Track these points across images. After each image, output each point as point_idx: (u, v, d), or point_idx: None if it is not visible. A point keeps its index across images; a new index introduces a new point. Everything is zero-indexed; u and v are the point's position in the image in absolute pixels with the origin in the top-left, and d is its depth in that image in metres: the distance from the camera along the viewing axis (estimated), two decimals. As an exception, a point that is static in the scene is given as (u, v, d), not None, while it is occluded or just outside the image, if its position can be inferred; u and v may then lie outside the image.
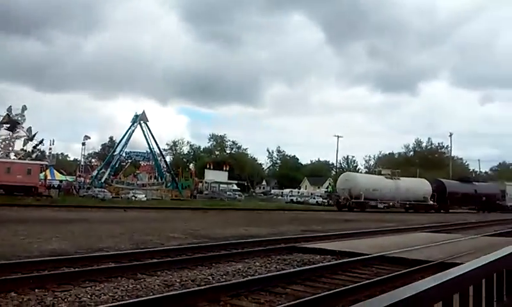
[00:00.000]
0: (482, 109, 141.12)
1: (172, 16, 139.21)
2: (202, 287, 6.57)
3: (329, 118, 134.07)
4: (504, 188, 59.20)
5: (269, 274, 7.96)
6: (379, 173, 52.27)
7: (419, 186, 49.92)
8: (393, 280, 7.62)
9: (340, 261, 9.56)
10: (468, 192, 52.87)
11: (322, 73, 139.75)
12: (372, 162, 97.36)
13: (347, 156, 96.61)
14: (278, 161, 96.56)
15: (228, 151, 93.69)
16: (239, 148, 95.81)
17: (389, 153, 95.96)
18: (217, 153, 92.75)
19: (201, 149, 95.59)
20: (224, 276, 7.79)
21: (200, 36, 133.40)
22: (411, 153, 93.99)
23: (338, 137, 73.78)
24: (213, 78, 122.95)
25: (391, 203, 48.71)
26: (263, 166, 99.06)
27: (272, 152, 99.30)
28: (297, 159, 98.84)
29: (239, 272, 8.29)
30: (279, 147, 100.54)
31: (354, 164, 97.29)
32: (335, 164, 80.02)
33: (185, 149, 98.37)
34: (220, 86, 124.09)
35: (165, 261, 8.79)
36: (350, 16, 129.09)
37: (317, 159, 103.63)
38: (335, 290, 6.63)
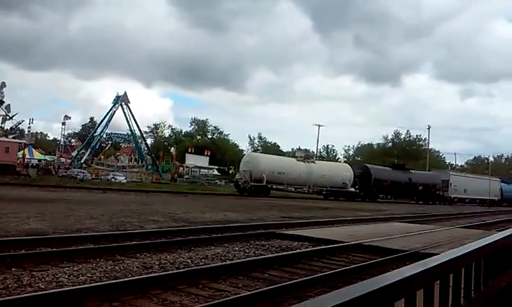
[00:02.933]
0: (462, 103, 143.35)
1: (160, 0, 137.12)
2: (181, 270, 6.62)
3: (313, 107, 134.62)
4: (448, 178, 54.07)
5: (247, 259, 8.04)
6: (293, 156, 49.12)
7: (337, 171, 46.28)
8: (369, 268, 7.78)
9: (318, 248, 9.70)
10: (400, 180, 48.39)
11: (308, 61, 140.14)
12: (351, 152, 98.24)
13: (327, 145, 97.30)
14: (260, 148, 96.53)
15: (209, 136, 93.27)
16: (221, 133, 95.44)
17: (368, 144, 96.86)
18: (198, 137, 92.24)
19: (183, 134, 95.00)
20: (203, 260, 7.84)
21: (187, 21, 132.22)
22: (390, 144, 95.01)
23: (319, 126, 74.28)
24: (199, 63, 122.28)
25: (305, 189, 46.10)
26: (244, 153, 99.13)
27: (254, 139, 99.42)
28: (278, 147, 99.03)
29: (218, 256, 8.35)
30: (260, 134, 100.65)
31: (334, 154, 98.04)
32: (315, 153, 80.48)
33: (167, 132, 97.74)
34: (205, 71, 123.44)
35: (144, 243, 8.80)
36: (337, 5, 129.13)
37: (297, 147, 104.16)
38: (311, 276, 6.74)
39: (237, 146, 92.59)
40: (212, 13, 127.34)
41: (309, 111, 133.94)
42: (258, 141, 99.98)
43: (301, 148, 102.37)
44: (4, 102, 52.86)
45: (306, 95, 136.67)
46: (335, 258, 8.82)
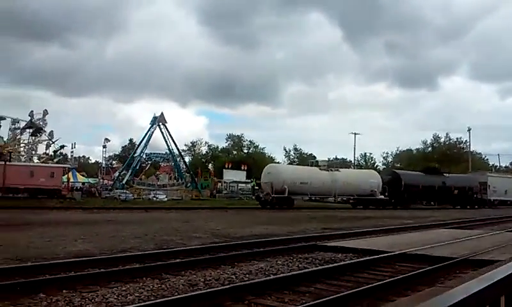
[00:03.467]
0: (502, 102, 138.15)
1: (190, 20, 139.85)
2: (226, 286, 6.64)
3: (347, 115, 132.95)
4: (486, 180, 50.75)
5: (291, 273, 7.99)
6: (316, 164, 45.90)
7: (364, 178, 43.79)
8: (417, 277, 7.57)
9: (362, 259, 9.53)
10: (434, 184, 45.83)
11: (340, 70, 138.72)
12: (390, 159, 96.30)
13: (365, 153, 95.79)
14: (296, 159, 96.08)
15: (245, 151, 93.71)
16: (257, 147, 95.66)
17: (407, 150, 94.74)
18: (234, 152, 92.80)
19: (219, 150, 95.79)
20: (247, 275, 7.84)
21: (218, 39, 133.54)
22: (429, 148, 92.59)
23: (355, 134, 73.32)
24: (231, 80, 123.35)
25: (330, 198, 43.16)
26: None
27: (289, 150, 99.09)
28: (315, 157, 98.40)
29: (262, 270, 8.33)
30: (295, 145, 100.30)
31: (372, 161, 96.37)
32: (352, 162, 79.32)
33: (204, 149, 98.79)
34: (238, 87, 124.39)
35: (188, 260, 8.89)
36: (367, 12, 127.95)
37: (334, 157, 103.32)
38: (359, 289, 6.62)
39: (273, 159, 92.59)
40: (242, 30, 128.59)
41: (344, 120, 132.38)
42: (294, 153, 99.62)
43: (338, 157, 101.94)
44: (42, 129, 55.00)
45: (341, 104, 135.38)
46: (380, 269, 8.64)
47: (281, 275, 7.83)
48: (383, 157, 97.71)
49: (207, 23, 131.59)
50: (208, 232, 15.90)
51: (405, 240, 13.01)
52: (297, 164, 74.58)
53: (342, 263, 9.26)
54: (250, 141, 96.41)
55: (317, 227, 19.23)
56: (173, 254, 9.93)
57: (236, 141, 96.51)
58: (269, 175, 39.49)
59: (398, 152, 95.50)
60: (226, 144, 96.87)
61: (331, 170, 42.71)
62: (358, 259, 9.54)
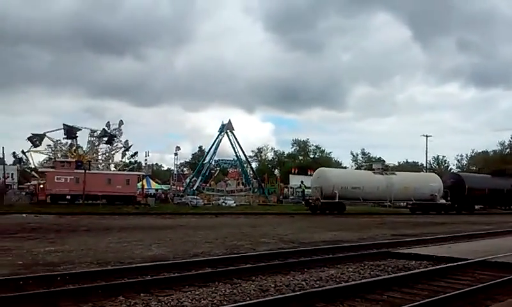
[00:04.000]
0: None
1: (257, 27, 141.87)
2: (297, 293, 6.63)
3: (416, 117, 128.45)
4: None
5: (363, 280, 7.82)
6: (370, 168, 43.93)
7: (423, 182, 41.01)
8: (499, 286, 7.15)
9: (438, 267, 9.13)
10: (502, 188, 42.38)
11: (409, 71, 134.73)
12: (465, 162, 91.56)
13: (437, 156, 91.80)
14: (364, 164, 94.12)
15: (311, 156, 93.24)
16: (323, 152, 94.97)
17: (482, 152, 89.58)
18: (300, 158, 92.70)
19: (285, 155, 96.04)
20: (317, 282, 7.79)
21: (283, 44, 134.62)
22: (508, 150, 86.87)
23: (426, 136, 70.46)
24: (296, 85, 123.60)
25: (385, 204, 41.13)
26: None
27: (357, 155, 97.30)
28: (384, 161, 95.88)
29: (332, 277, 8.24)
30: (363, 149, 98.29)
31: (446, 164, 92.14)
32: (424, 165, 76.22)
33: (270, 155, 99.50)
34: (303, 92, 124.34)
35: (258, 266, 8.97)
36: (438, 11, 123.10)
37: (404, 160, 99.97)
38: (434, 298, 6.36)
39: (340, 164, 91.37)
40: (307, 35, 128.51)
41: (414, 122, 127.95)
42: (362, 157, 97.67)
43: (409, 160, 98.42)
44: (118, 139, 57.98)
45: (410, 106, 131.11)
46: (458, 277, 8.24)
47: (353, 282, 7.69)
48: (457, 160, 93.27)
49: (273, 29, 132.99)
50: (276, 238, 15.97)
51: (484, 246, 12.32)
52: (365, 169, 72.87)
53: (416, 270, 8.94)
54: (316, 146, 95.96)
55: (387, 233, 18.72)
56: (243, 259, 10.07)
57: (302, 146, 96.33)
58: (318, 180, 38.32)
59: (473, 154, 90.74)
60: (292, 150, 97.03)
61: (387, 173, 40.75)
62: (433, 267, 9.17)
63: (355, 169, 78.55)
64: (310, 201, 38.52)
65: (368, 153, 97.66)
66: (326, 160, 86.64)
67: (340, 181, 37.42)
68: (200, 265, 9.12)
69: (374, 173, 40.96)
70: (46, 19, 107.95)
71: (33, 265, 9.40)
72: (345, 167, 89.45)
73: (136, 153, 60.97)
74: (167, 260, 10.01)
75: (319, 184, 37.34)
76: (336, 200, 35.93)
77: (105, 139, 57.61)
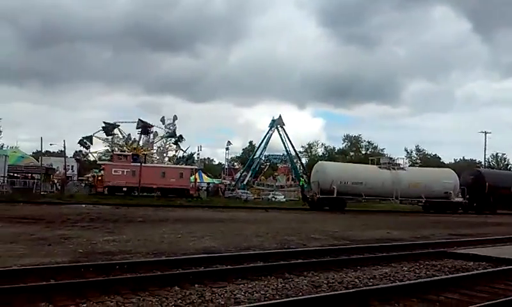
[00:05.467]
0: None
1: (311, 22, 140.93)
2: (351, 290, 6.55)
3: (475, 113, 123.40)
4: None
5: (419, 280, 7.61)
6: (377, 162, 40.60)
7: (436, 179, 37.73)
8: None
9: (499, 268, 8.74)
10: None
11: (468, 65, 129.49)
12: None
13: (496, 153, 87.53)
14: (418, 161, 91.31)
15: (363, 152, 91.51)
16: (375, 148, 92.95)
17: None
18: (352, 154, 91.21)
19: (336, 151, 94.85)
20: (371, 280, 7.66)
21: (337, 40, 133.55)
22: None
23: (485, 133, 67.47)
24: (349, 80, 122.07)
25: (391, 200, 37.87)
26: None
27: (411, 151, 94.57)
28: (439, 158, 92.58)
29: (386, 276, 8.07)
30: (418, 146, 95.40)
31: (505, 162, 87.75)
32: (482, 163, 72.97)
33: (320, 151, 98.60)
34: (356, 87, 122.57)
35: (310, 262, 8.93)
36: (500, 2, 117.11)
37: (461, 158, 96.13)
38: (495, 301, 6.10)
39: (394, 161, 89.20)
40: (361, 30, 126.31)
41: (472, 119, 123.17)
42: (416, 154, 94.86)
43: (466, 158, 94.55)
44: (173, 134, 59.45)
45: (468, 102, 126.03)
46: (521, 281, 7.84)
47: (408, 282, 7.51)
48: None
49: (326, 24, 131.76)
50: (327, 234, 15.85)
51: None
52: (417, 166, 70.71)
53: (475, 272, 8.61)
54: (368, 142, 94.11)
55: (442, 232, 18.14)
56: (294, 254, 10.06)
57: (353, 141, 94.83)
58: (316, 174, 36.62)
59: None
60: (343, 145, 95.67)
61: (394, 169, 38.06)
62: (493, 269, 8.79)
63: (410, 166, 76.32)
64: (308, 196, 37.12)
65: (423, 149, 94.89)
66: (378, 157, 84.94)
67: (338, 175, 35.34)
68: (251, 259, 9.19)
69: (380, 168, 38.56)
70: (105, 18, 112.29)
71: (92, 253, 9.82)
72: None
73: (187, 149, 62.41)
74: (219, 252, 10.17)
75: (317, 179, 35.73)
76: (335, 196, 33.97)
77: (162, 134, 59.52)
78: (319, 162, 45.56)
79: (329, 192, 33.96)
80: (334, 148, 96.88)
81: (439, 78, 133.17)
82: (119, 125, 59.00)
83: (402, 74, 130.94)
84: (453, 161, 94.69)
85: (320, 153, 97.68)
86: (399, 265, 9.29)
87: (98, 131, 58.41)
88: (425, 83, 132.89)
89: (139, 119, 58.57)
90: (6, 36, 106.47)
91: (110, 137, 59.21)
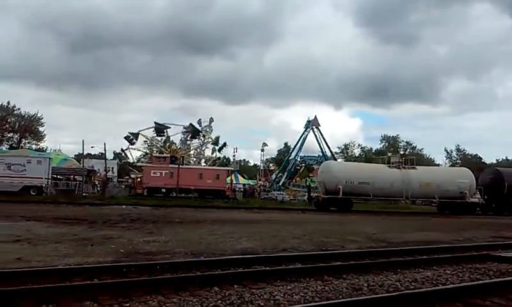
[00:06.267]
0: None
1: (347, 22, 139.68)
2: (392, 293, 6.45)
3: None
4: None
5: (463, 284, 7.42)
6: (388, 162, 38.81)
7: (450, 178, 35.81)
8: None
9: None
10: None
11: (509, 63, 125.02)
12: None
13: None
14: (458, 161, 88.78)
15: (401, 152, 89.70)
16: (414, 148, 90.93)
17: None
18: (389, 154, 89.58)
19: (373, 151, 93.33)
20: (412, 283, 7.52)
21: (374, 39, 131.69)
22: None
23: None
24: (387, 80, 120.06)
25: (402, 201, 36.37)
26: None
27: (451, 152, 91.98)
28: (480, 158, 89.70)
29: (428, 279, 7.90)
30: (458, 146, 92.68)
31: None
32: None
33: (357, 151, 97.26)
34: (394, 87, 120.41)
35: (349, 264, 8.85)
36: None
37: (504, 158, 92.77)
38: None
39: (432, 161, 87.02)
40: (399, 28, 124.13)
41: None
42: (457, 154, 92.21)
43: (508, 157, 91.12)
44: (209, 133, 60.11)
45: (510, 100, 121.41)
46: None
47: (451, 285, 7.32)
48: None
49: (363, 24, 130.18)
50: (365, 236, 15.63)
51: None
52: (457, 166, 68.62)
53: (522, 276, 8.30)
54: (407, 142, 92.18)
55: (484, 234, 17.58)
56: (332, 256, 9.98)
57: (391, 142, 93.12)
58: (322, 174, 35.81)
59: None
60: (381, 146, 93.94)
61: (404, 167, 36.37)
62: (542, 274, 8.46)
63: (450, 166, 74.36)
64: (313, 196, 36.21)
65: (464, 149, 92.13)
66: (417, 157, 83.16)
67: (344, 175, 34.23)
68: (289, 260, 9.19)
69: (390, 167, 37.10)
70: (144, 22, 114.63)
71: (133, 253, 10.04)
72: (437, 165, 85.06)
73: (224, 144, 62.72)
74: (257, 254, 10.20)
75: (322, 179, 35.07)
76: (340, 196, 33.03)
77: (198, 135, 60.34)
78: (326, 161, 44.88)
79: (334, 192, 33.30)
80: (371, 148, 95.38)
81: (480, 77, 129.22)
82: (169, 127, 60.23)
83: (441, 73, 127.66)
84: (495, 161, 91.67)
85: (357, 154, 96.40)
86: (440, 268, 9.09)
87: (146, 129, 59.82)
88: (466, 81, 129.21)
89: (190, 124, 59.67)
90: (48, 42, 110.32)
91: (154, 136, 60.52)
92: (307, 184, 50.34)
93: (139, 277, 7.17)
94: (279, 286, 6.93)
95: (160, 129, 59.31)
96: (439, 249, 12.09)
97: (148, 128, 60.21)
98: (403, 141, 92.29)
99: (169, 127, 60.25)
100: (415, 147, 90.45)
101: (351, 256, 10.09)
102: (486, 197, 36.14)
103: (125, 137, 59.41)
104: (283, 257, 9.60)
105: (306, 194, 43.67)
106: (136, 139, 59.58)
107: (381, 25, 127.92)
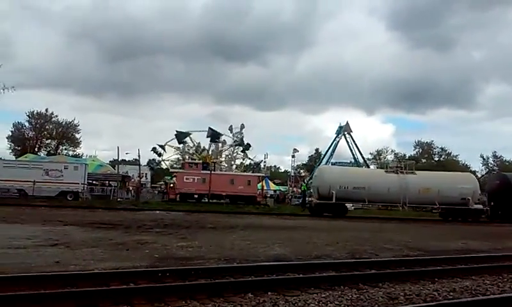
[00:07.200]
0: None
1: (380, 26, 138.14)
2: (430, 303, 6.30)
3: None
4: None
5: (504, 295, 7.17)
6: (386, 167, 37.25)
7: (452, 183, 34.07)
8: None
9: None
10: None
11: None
12: None
13: None
14: (495, 167, 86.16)
15: (435, 159, 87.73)
16: (449, 154, 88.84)
17: None
18: (423, 161, 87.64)
19: (407, 158, 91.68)
20: (451, 293, 7.32)
21: (408, 43, 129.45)
22: None
23: None
24: (421, 84, 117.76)
25: (400, 207, 34.34)
26: (477, 174, 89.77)
27: (488, 158, 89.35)
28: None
29: (467, 289, 7.68)
30: (495, 152, 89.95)
31: None
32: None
33: (390, 158, 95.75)
34: (429, 92, 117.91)
35: (385, 272, 8.70)
36: None
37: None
38: None
39: (468, 167, 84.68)
40: (434, 32, 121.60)
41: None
42: (493, 160, 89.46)
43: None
44: (241, 142, 60.36)
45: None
46: None
47: (492, 296, 7.10)
48: None
49: (397, 28, 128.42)
50: (401, 244, 15.32)
51: None
52: (494, 172, 66.53)
53: None
54: (441, 148, 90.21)
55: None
56: (367, 264, 9.83)
57: (425, 148, 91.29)
58: (315, 179, 35.13)
59: None
60: (414, 152, 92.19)
61: (402, 172, 34.81)
62: None
63: (486, 173, 72.21)
64: (306, 200, 35.41)
65: (501, 156, 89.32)
66: (451, 163, 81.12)
67: (337, 180, 33.05)
68: (323, 268, 9.10)
69: (387, 172, 35.79)
70: (179, 30, 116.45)
71: (167, 258, 10.16)
72: (473, 172, 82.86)
73: (248, 146, 62.72)
74: (290, 260, 10.15)
75: (316, 183, 34.30)
76: (333, 201, 32.10)
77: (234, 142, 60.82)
78: (321, 166, 44.47)
79: (327, 197, 32.42)
80: (404, 155, 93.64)
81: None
82: (191, 134, 60.83)
83: (478, 77, 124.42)
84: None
85: (390, 160, 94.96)
86: (479, 277, 8.83)
87: (172, 139, 60.61)
88: (504, 86, 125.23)
89: (209, 128, 60.12)
90: (87, 51, 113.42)
91: (181, 146, 61.15)
92: (302, 189, 49.51)
93: (174, 282, 7.24)
94: (313, 294, 6.88)
95: (181, 137, 59.94)
96: (477, 258, 11.74)
97: (173, 139, 61.03)
98: (437, 147, 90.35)
99: (191, 134, 60.86)
100: (450, 153, 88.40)
101: (386, 265, 9.91)
102: (492, 203, 34.58)
103: (153, 149, 60.41)
104: (316, 264, 9.52)
105: (301, 199, 43.20)
106: (164, 151, 60.47)
107: (415, 28, 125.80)
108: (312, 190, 37.68)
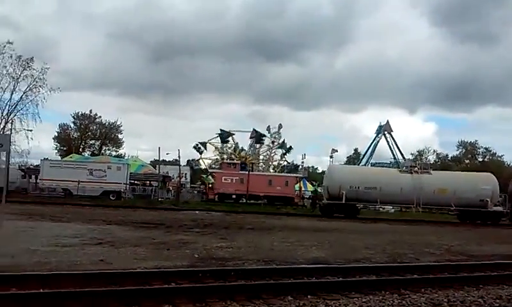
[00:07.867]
0: None
1: (422, 22, 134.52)
2: (475, 311, 6.14)
3: None
4: None
5: (554, 304, 6.89)
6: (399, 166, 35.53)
7: (470, 184, 32.48)
8: None
9: None
10: None
11: None
12: None
13: None
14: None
15: (480, 159, 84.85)
16: (493, 155, 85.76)
17: None
18: (467, 161, 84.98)
19: (449, 158, 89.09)
20: (497, 300, 7.09)
21: (452, 38, 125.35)
22: None
23: None
24: (466, 81, 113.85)
25: (413, 209, 32.98)
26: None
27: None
28: None
29: (515, 297, 7.42)
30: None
31: None
32: None
33: (432, 158, 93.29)
34: (473, 89, 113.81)
35: (427, 278, 8.52)
36: None
37: None
38: None
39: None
40: (479, 26, 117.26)
41: None
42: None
43: None
44: (278, 140, 60.34)
45: None
46: None
47: (541, 305, 6.83)
48: None
49: (439, 23, 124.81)
50: (442, 248, 14.96)
51: None
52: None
53: None
54: (486, 148, 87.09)
55: None
56: (408, 269, 9.65)
57: (469, 148, 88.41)
58: (325, 179, 34.39)
59: None
60: (457, 152, 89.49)
61: (417, 172, 33.51)
62: None
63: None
64: (316, 201, 34.92)
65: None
66: (497, 164, 78.26)
67: (348, 180, 32.17)
68: (363, 271, 9.00)
69: (401, 171, 34.73)
70: (219, 30, 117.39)
71: (207, 258, 10.32)
72: (521, 173, 79.40)
73: (290, 148, 62.56)
74: (329, 263, 10.11)
75: (326, 183, 33.56)
76: (343, 201, 31.25)
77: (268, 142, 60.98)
78: (331, 165, 43.52)
79: (337, 197, 31.67)
80: (447, 155, 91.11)
81: None
82: (234, 134, 61.36)
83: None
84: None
85: (432, 161, 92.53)
86: (528, 285, 8.48)
87: (214, 138, 61.34)
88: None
89: (253, 129, 60.50)
90: (130, 52, 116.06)
91: (221, 145, 61.84)
92: (311, 190, 49.34)
93: (215, 282, 7.35)
94: (353, 298, 6.82)
95: (224, 136, 60.49)
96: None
97: (215, 137, 61.70)
98: (482, 147, 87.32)
99: (234, 134, 61.29)
100: (495, 153, 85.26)
101: (428, 269, 9.69)
102: (507, 204, 33.19)
103: (194, 147, 61.23)
104: (357, 268, 9.42)
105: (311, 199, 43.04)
106: (205, 148, 61.21)
107: (459, 23, 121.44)
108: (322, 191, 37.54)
